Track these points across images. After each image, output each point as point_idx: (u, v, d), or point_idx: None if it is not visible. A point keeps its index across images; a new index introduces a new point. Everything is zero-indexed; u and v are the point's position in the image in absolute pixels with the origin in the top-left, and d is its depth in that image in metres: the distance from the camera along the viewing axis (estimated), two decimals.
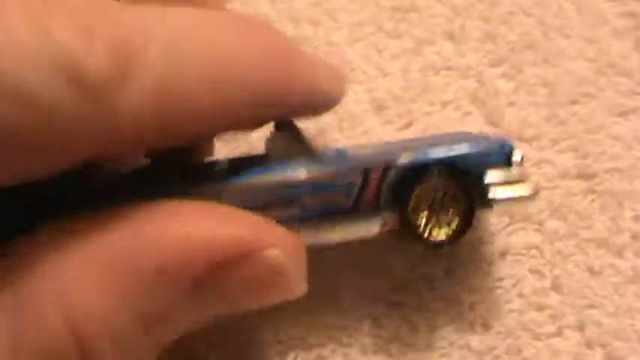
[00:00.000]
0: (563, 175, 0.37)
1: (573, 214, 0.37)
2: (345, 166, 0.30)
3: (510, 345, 0.34)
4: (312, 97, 0.28)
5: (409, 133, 0.38)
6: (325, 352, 0.34)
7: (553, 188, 0.37)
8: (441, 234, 0.31)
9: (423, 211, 0.30)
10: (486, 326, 0.35)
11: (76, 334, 0.23)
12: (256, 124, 0.29)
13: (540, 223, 0.36)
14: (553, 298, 0.35)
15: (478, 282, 0.35)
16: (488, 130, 0.38)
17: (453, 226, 0.31)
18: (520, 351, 0.34)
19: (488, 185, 0.31)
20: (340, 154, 0.32)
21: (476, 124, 0.38)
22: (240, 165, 0.30)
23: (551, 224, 0.36)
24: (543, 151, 0.38)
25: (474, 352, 0.34)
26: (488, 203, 0.31)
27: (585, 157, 0.38)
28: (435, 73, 0.39)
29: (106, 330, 0.24)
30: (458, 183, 0.30)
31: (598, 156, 0.38)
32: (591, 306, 0.35)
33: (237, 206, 0.28)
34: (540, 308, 0.35)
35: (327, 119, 0.38)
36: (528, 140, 0.38)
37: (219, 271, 0.25)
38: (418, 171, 0.30)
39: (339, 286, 0.35)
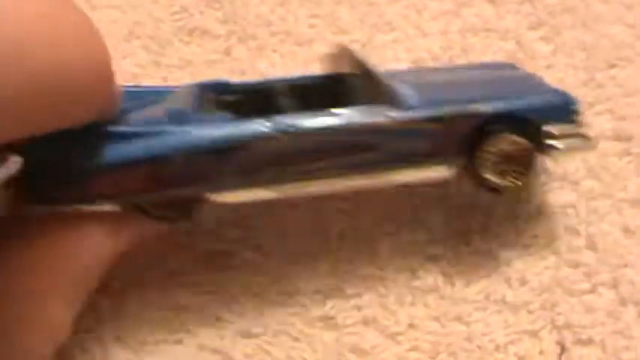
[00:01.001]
0: (600, 137, 0.38)
1: (609, 174, 0.37)
2: (428, 112, 0.30)
3: (545, 300, 0.35)
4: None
5: None
6: (362, 302, 0.35)
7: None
8: (505, 181, 0.31)
9: (492, 159, 0.31)
10: (521, 281, 0.35)
11: None
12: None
13: (576, 183, 0.37)
14: (588, 256, 0.36)
15: (514, 238, 0.36)
16: None
17: (518, 175, 0.31)
18: (554, 306, 0.35)
19: (550, 136, 0.31)
20: (420, 95, 0.31)
21: None
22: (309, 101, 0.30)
23: (587, 184, 0.37)
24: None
25: (509, 306, 0.35)
26: (549, 154, 0.32)
27: (622, 119, 0.38)
28: (474, 35, 0.40)
29: None
30: (528, 135, 0.31)
31: (634, 119, 0.38)
32: (625, 265, 0.36)
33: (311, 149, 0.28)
34: (575, 266, 0.35)
35: None
36: None
37: None
38: (498, 120, 0.31)
39: (377, 238, 0.36)
